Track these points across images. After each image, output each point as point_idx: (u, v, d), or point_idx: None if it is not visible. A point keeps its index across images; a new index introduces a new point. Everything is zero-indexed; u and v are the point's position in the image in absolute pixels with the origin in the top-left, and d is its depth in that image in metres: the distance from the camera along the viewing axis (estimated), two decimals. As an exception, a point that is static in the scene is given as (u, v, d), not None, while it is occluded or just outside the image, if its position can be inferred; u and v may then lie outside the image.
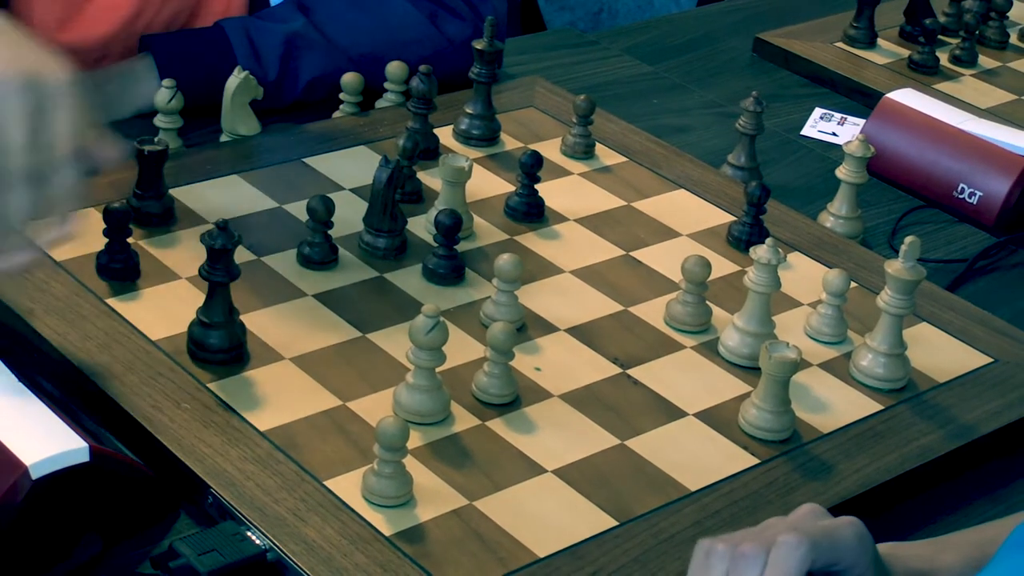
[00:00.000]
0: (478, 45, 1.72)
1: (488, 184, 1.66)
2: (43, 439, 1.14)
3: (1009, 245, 1.73)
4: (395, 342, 1.38)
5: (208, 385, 1.30)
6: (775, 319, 1.45)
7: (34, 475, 1.10)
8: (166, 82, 1.64)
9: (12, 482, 1.10)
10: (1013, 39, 2.20)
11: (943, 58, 2.10)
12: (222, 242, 1.30)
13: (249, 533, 1.15)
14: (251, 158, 1.65)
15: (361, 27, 1.80)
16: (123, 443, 1.23)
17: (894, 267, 1.41)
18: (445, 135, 1.73)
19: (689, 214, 1.66)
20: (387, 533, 1.17)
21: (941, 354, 1.48)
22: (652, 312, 1.48)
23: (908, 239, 1.40)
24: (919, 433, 1.37)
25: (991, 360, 1.48)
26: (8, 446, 1.12)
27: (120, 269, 1.43)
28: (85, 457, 1.13)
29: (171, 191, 1.55)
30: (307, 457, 1.24)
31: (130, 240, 1.44)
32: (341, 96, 1.77)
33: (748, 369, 1.41)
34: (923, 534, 1.17)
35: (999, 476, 1.39)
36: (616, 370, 1.40)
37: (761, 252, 1.40)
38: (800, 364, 1.33)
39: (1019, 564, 0.98)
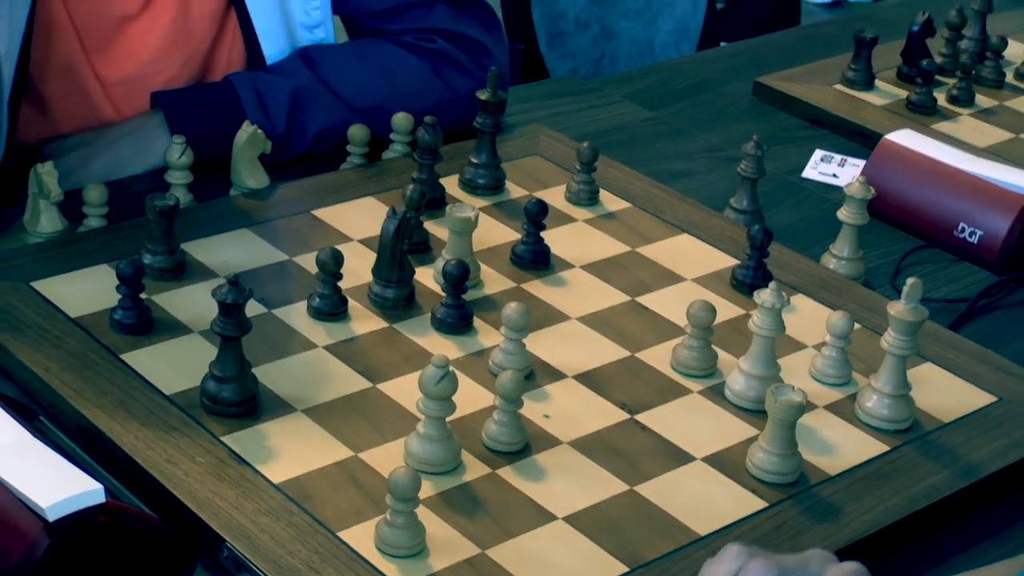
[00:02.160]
0: (482, 95, 1.73)
1: (494, 232, 1.66)
2: (58, 483, 1.15)
3: (1011, 283, 1.73)
4: (405, 392, 1.38)
5: (222, 438, 1.30)
6: (780, 362, 1.44)
7: (51, 517, 1.11)
8: (176, 138, 1.64)
9: (31, 539, 1.10)
10: (1009, 78, 2.20)
11: (940, 98, 2.11)
12: (233, 297, 1.30)
13: (264, 586, 1.15)
14: (260, 211, 1.66)
15: (366, 79, 1.81)
16: (139, 497, 1.23)
17: (896, 309, 1.41)
18: (451, 184, 1.74)
19: (693, 258, 1.66)
20: (401, 583, 1.17)
21: (945, 394, 1.48)
22: (658, 357, 1.48)
23: (910, 281, 1.40)
24: (926, 473, 1.36)
25: (995, 399, 1.48)
26: (25, 492, 1.13)
27: (133, 324, 1.43)
28: (101, 498, 1.13)
29: (182, 245, 1.55)
30: (320, 508, 1.23)
31: (143, 295, 1.44)
32: (348, 148, 1.77)
33: (755, 412, 1.41)
34: (932, 575, 1.17)
35: (1006, 515, 1.38)
36: (624, 416, 1.40)
37: (765, 296, 1.40)
38: (806, 407, 1.33)
39: None
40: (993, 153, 1.96)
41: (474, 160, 1.75)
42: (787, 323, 1.44)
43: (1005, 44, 2.20)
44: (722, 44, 3.23)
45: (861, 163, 1.93)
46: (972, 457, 1.39)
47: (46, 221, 1.57)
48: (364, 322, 1.49)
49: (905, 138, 1.87)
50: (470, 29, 1.88)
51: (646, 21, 2.76)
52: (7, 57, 1.62)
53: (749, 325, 1.42)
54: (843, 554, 1.06)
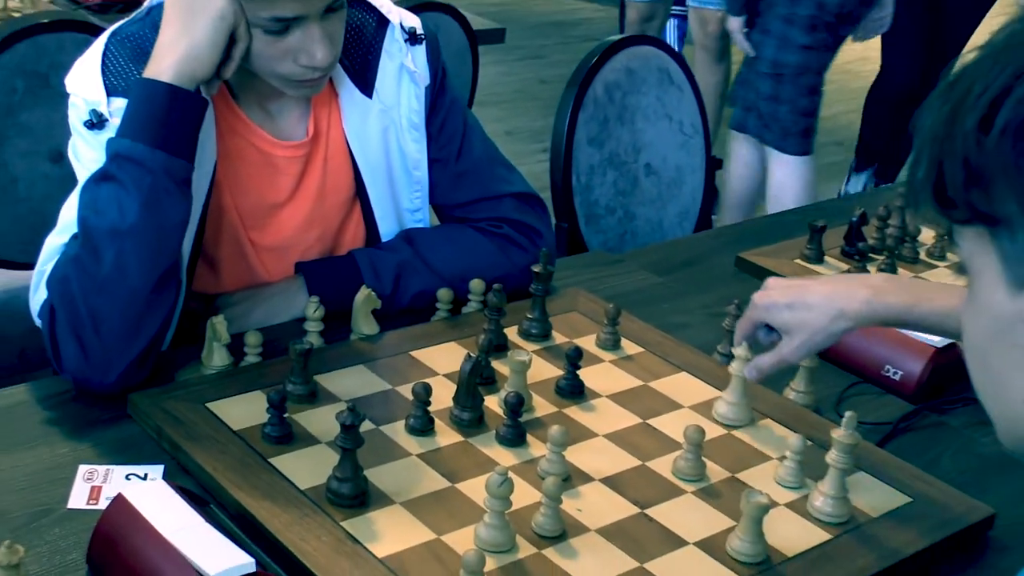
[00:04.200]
0: (535, 268, 1.76)
1: (543, 370, 1.68)
2: (222, 556, 1.17)
3: (923, 411, 1.73)
4: (476, 490, 1.40)
5: (341, 523, 1.32)
6: (750, 471, 1.46)
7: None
8: (313, 298, 1.68)
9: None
10: (922, 256, 2.21)
11: (872, 271, 2.12)
12: (351, 420, 1.33)
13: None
14: (372, 352, 1.68)
15: (452, 256, 1.84)
16: (281, 567, 1.24)
17: (838, 434, 1.42)
18: (512, 333, 1.76)
19: (689, 391, 1.67)
20: (470, 635, 1.18)
21: (874, 495, 1.48)
22: (663, 466, 1.49)
23: (848, 413, 1.42)
24: (859, 556, 1.37)
25: (910, 499, 1.48)
26: (198, 563, 1.15)
27: (279, 436, 1.46)
28: (252, 568, 1.17)
29: (315, 377, 1.58)
30: (412, 577, 1.25)
31: (286, 415, 1.47)
32: (437, 305, 1.80)
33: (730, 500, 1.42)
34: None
35: (919, 588, 1.38)
36: (636, 510, 1.41)
37: (740, 351, 1.48)
38: (770, 505, 1.34)
39: None
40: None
41: (529, 316, 1.78)
42: (757, 441, 1.47)
43: (919, 231, 2.22)
44: (713, 220, 3.26)
45: (814, 319, 1.94)
46: (894, 543, 1.40)
47: (217, 358, 1.61)
48: (446, 437, 1.51)
49: (846, 301, 1.88)
50: (528, 218, 1.91)
51: (658, 207, 2.79)
52: (188, 232, 1.67)
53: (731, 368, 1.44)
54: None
